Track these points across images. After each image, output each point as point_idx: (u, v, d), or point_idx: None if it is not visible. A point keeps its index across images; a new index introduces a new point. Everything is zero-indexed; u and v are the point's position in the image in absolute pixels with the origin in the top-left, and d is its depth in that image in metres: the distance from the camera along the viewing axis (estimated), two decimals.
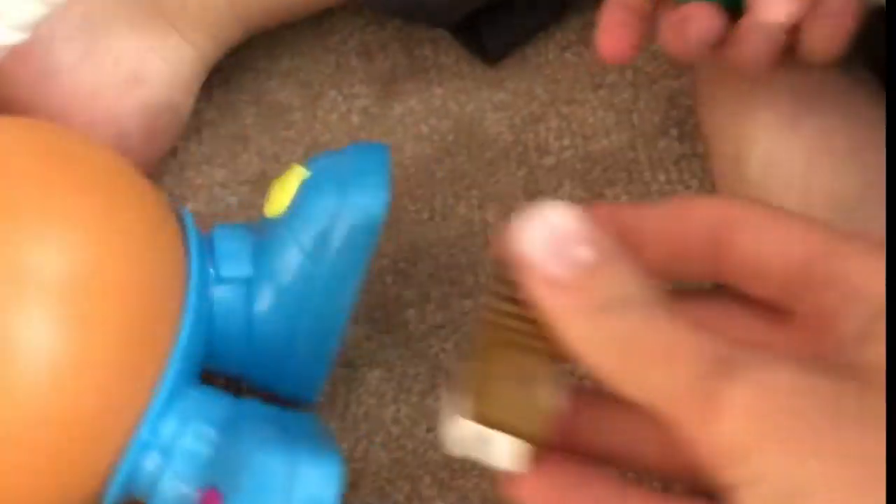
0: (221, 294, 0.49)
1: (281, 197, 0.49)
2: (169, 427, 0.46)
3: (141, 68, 0.57)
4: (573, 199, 0.57)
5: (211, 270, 0.49)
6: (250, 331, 0.49)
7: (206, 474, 0.46)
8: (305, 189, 0.49)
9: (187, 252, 0.48)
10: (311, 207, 0.48)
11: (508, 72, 0.60)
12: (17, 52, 0.54)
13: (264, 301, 0.49)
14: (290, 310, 0.49)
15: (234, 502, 0.44)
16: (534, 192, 0.57)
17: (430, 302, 0.56)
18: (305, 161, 0.50)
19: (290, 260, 0.48)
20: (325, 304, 0.49)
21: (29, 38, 0.54)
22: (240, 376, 0.52)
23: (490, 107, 0.60)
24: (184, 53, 0.58)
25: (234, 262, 0.49)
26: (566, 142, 0.58)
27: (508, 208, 0.57)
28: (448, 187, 0.58)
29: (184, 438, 0.46)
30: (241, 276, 0.49)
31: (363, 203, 0.48)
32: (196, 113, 0.60)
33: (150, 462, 0.46)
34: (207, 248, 0.49)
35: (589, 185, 0.57)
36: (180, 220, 0.49)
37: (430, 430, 0.54)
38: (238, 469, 0.45)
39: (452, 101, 0.60)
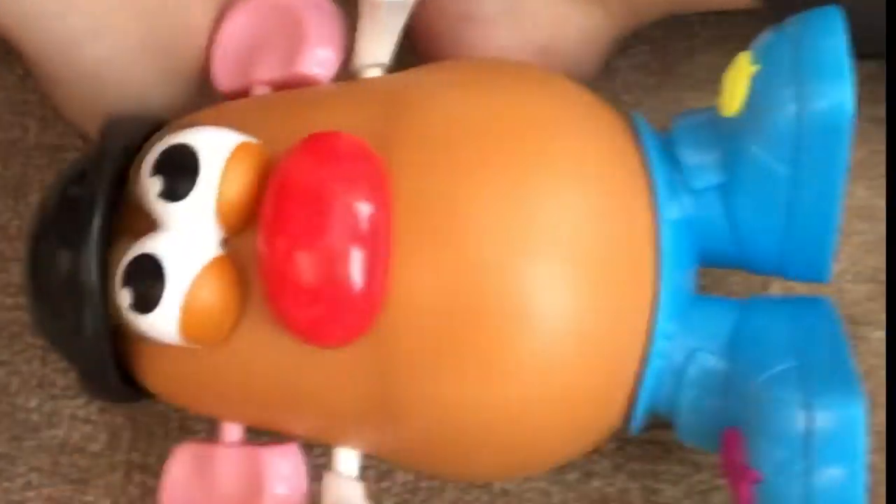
0: (695, 203, 0.45)
1: (735, 93, 0.44)
2: (677, 341, 0.45)
3: (555, 35, 0.53)
4: None
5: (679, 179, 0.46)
6: (736, 235, 0.46)
7: (723, 395, 0.44)
8: (759, 84, 0.43)
9: (646, 157, 0.45)
10: (769, 106, 0.43)
11: None
12: None
13: (743, 207, 0.45)
14: (773, 213, 0.45)
15: (753, 444, 0.41)
16: None
17: None
18: (752, 48, 0.45)
19: (760, 165, 0.44)
20: (812, 203, 0.44)
21: None
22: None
23: None
24: (600, 24, 0.53)
25: (703, 172, 0.45)
26: None
27: None
28: None
29: (695, 352, 0.45)
30: (713, 185, 0.45)
31: (825, 94, 0.42)
32: None
33: (669, 377, 0.45)
34: (669, 153, 0.46)
35: None
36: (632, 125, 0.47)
37: None
38: (752, 403, 0.42)
39: None
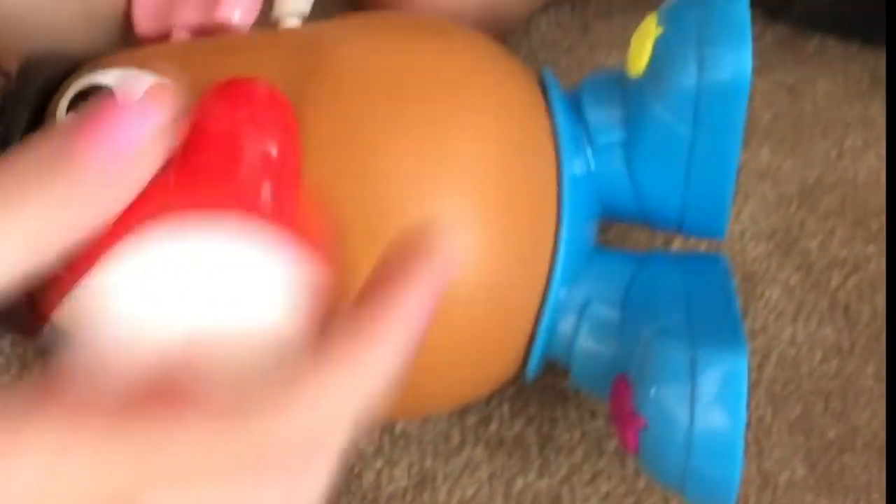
0: (598, 159, 0.47)
1: (640, 54, 0.45)
2: (575, 291, 0.46)
3: None
4: None
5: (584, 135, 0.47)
6: (637, 191, 0.47)
7: (615, 344, 0.46)
8: (662, 46, 0.45)
9: (553, 113, 0.46)
10: (671, 68, 0.44)
11: None
12: None
13: (644, 164, 0.47)
14: (672, 171, 0.46)
15: (640, 391, 0.43)
16: None
17: (834, 237, 0.55)
18: (658, 10, 0.46)
19: (662, 124, 0.45)
20: (709, 162, 0.46)
21: None
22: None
23: None
24: None
25: (606, 129, 0.47)
26: None
27: None
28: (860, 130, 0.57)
29: (591, 301, 0.46)
30: (616, 142, 0.47)
31: (727, 60, 0.44)
32: None
33: (565, 325, 0.47)
34: (576, 110, 0.47)
35: None
36: (541, 81, 0.48)
37: (824, 360, 0.53)
38: (642, 352, 0.44)
39: None
